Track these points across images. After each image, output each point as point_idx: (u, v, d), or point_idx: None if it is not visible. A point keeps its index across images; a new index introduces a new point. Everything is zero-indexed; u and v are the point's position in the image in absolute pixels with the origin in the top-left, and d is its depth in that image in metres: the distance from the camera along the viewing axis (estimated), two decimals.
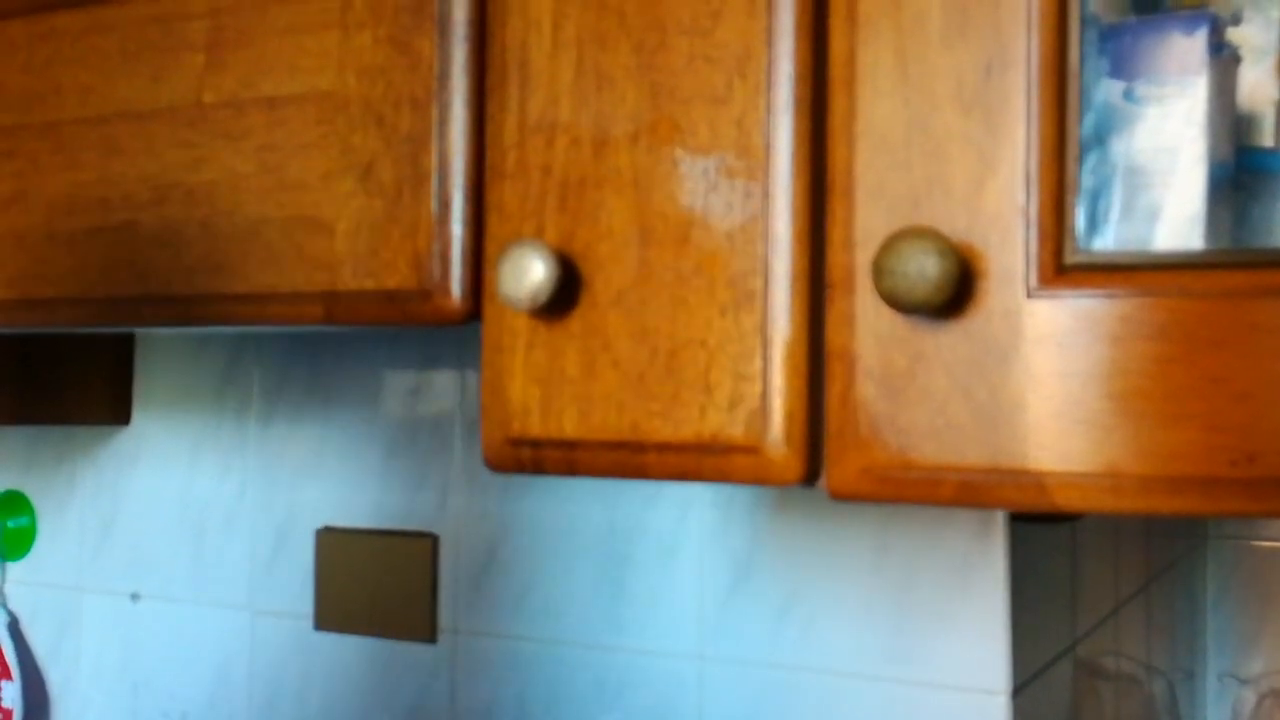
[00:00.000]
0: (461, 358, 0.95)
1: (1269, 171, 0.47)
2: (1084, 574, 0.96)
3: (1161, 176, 0.46)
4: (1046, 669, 0.85)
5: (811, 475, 0.49)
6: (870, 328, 0.47)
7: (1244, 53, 0.47)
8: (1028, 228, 0.45)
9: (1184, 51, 0.46)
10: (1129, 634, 1.12)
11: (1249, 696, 1.43)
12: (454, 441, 0.94)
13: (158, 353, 1.08)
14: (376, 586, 0.96)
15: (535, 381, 0.54)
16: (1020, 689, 0.78)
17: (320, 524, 1.00)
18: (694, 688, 0.85)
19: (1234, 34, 0.47)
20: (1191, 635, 1.44)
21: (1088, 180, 0.46)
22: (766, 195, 0.49)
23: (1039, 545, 0.84)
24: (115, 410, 1.07)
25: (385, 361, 0.98)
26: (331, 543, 0.98)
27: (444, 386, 0.96)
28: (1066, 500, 0.44)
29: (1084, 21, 0.46)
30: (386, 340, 0.98)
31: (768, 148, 0.49)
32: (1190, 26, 0.46)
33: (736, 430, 0.50)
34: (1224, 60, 0.47)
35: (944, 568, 0.79)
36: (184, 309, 0.63)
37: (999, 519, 0.78)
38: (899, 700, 0.79)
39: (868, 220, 0.47)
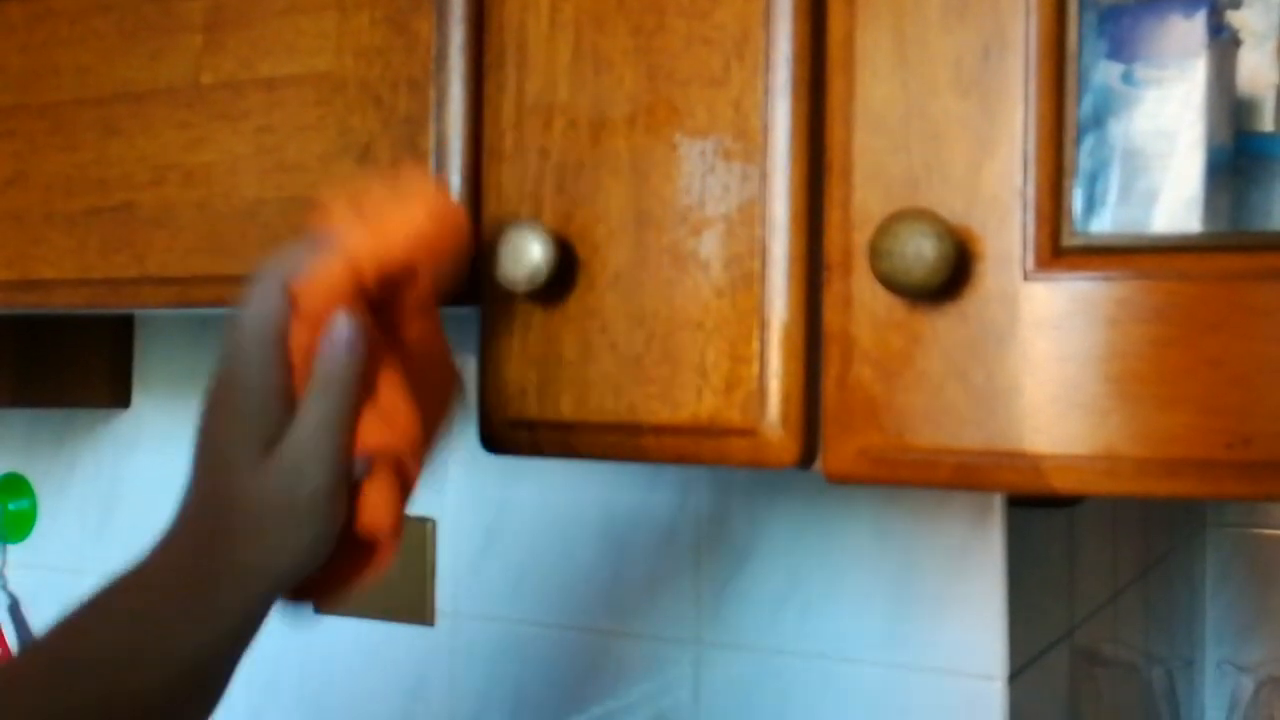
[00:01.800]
0: (460, 341, 0.95)
1: (1268, 156, 0.47)
2: (1082, 561, 0.97)
3: (1159, 159, 0.46)
4: (1043, 655, 0.85)
5: (808, 457, 0.49)
6: (867, 310, 0.47)
7: (1244, 37, 0.47)
8: (1025, 210, 0.45)
9: (1183, 34, 0.46)
10: (1127, 621, 1.12)
11: (1247, 684, 1.43)
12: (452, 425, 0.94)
13: (157, 335, 1.08)
14: None
15: (533, 364, 0.54)
16: (1017, 674, 0.78)
17: None
18: (691, 672, 0.85)
19: (1234, 18, 0.47)
20: (1190, 623, 1.44)
21: (1085, 163, 0.46)
22: (764, 177, 0.49)
23: (1036, 532, 0.84)
24: (115, 393, 1.07)
25: None
26: None
27: None
28: (1063, 483, 0.44)
29: (1083, 4, 0.46)
30: None
31: (765, 130, 0.49)
32: (1189, 9, 0.46)
33: (733, 412, 0.50)
34: (1223, 43, 0.47)
35: (942, 553, 0.79)
36: (182, 290, 0.63)
37: (996, 505, 0.78)
38: (896, 685, 0.79)
39: (865, 202, 0.47)
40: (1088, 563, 0.99)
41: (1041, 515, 0.85)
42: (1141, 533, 1.20)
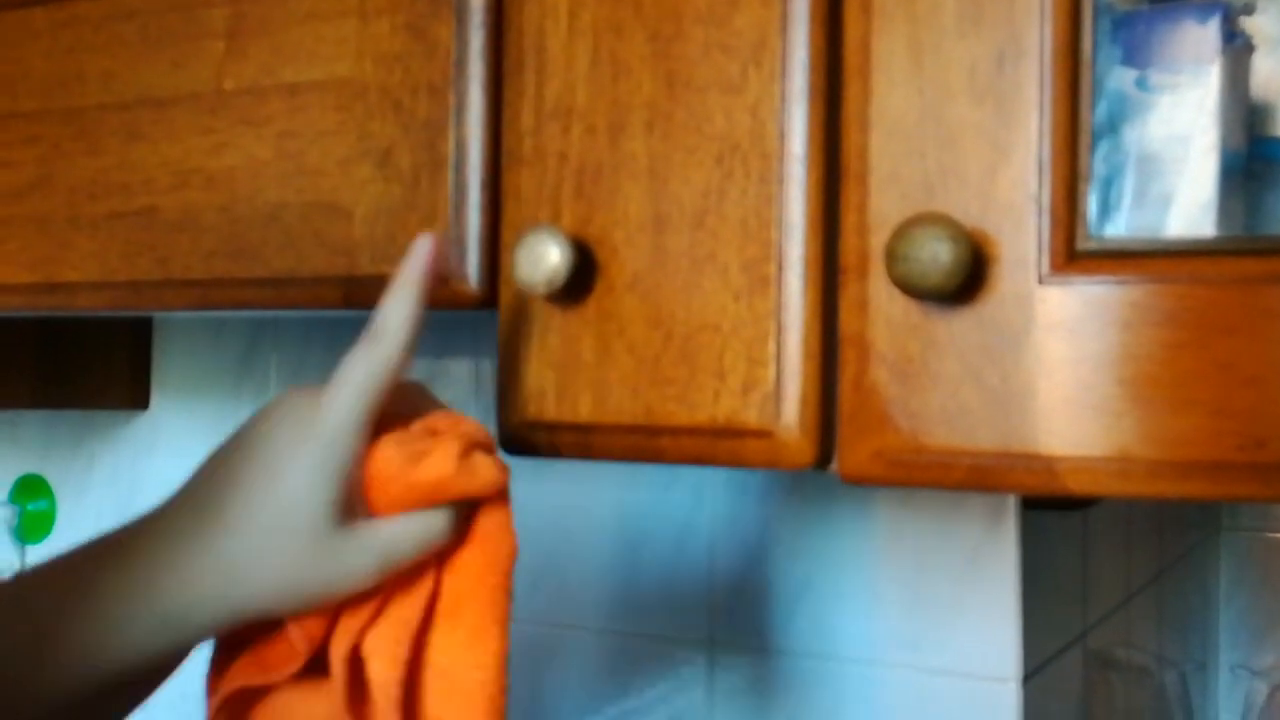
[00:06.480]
0: (476, 345, 0.96)
1: None
2: (1095, 564, 0.97)
3: (1174, 164, 0.46)
4: (1057, 657, 0.85)
5: (824, 459, 0.50)
6: (883, 313, 0.48)
7: (1258, 42, 0.47)
8: (1040, 215, 0.46)
9: (1197, 40, 0.47)
10: (1140, 624, 1.12)
11: (1261, 688, 1.43)
12: None
13: (176, 337, 1.09)
14: None
15: (551, 366, 0.55)
16: (1030, 676, 0.79)
17: None
18: (705, 673, 0.86)
19: (1248, 24, 0.47)
20: (1204, 626, 1.44)
21: (1100, 168, 0.46)
22: (780, 182, 0.50)
23: (1050, 534, 0.84)
24: (134, 394, 1.08)
25: None
26: None
27: (459, 374, 0.96)
28: (1076, 484, 0.45)
29: (1097, 10, 0.47)
30: None
31: (782, 135, 0.50)
32: (1203, 16, 0.47)
33: (750, 414, 0.50)
34: (1237, 49, 0.47)
35: (955, 556, 0.79)
36: (204, 293, 0.63)
37: (1010, 508, 0.78)
38: (910, 687, 0.80)
39: (881, 206, 0.48)
40: (1101, 566, 0.99)
41: (1055, 518, 0.85)
42: (1156, 536, 1.20)
